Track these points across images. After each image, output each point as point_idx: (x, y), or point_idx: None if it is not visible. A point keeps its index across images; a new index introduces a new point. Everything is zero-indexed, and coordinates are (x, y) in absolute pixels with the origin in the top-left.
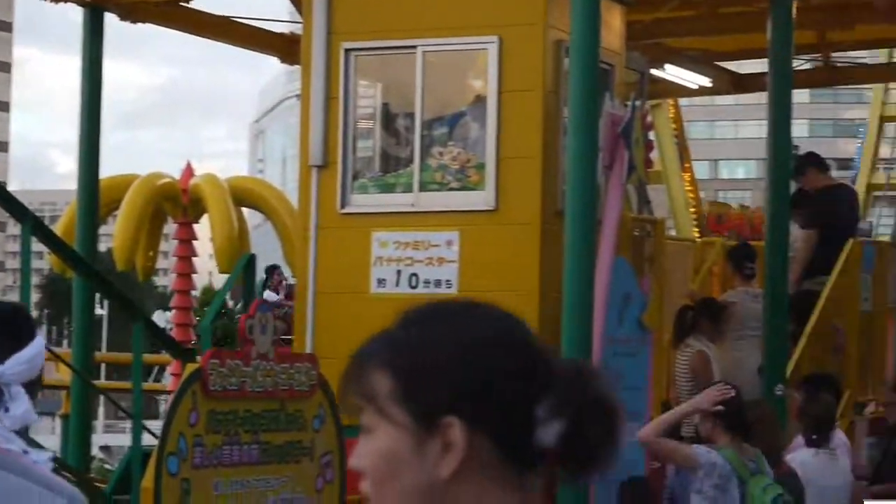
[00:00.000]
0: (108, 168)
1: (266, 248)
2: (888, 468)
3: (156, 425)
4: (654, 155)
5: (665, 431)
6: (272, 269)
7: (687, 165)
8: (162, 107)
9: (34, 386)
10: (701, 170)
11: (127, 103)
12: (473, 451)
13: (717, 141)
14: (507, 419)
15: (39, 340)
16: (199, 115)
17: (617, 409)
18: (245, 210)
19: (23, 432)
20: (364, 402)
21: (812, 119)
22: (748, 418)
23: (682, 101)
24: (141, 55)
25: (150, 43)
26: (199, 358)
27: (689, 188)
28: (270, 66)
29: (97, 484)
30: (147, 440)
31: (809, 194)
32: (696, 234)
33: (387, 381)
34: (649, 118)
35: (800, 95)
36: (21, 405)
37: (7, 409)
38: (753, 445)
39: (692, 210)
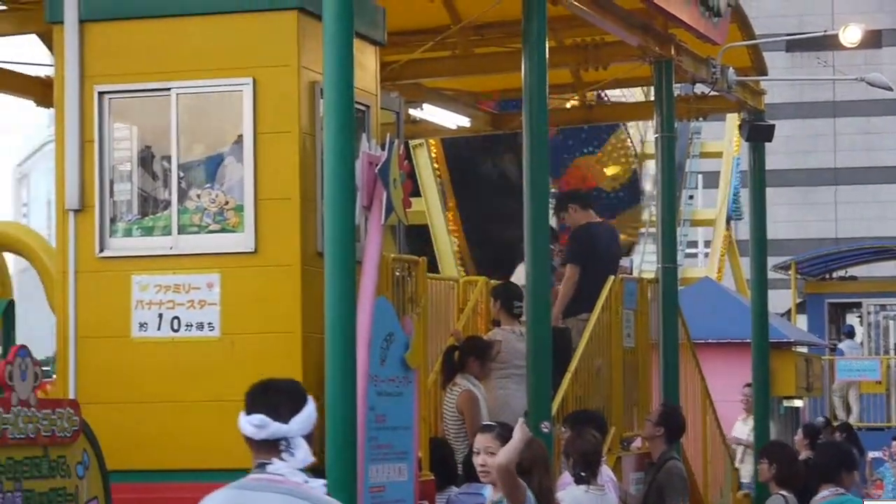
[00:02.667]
0: None
1: (34, 293)
2: (653, 502)
3: None
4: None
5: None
6: None
7: (451, 204)
8: None
9: (310, 436)
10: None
11: None
12: None
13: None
14: None
15: (311, 402)
16: None
17: None
18: (10, 255)
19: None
20: None
21: None
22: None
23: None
24: None
25: None
26: None
27: (452, 227)
28: (34, 109)
29: None
30: None
31: (570, 231)
32: (462, 273)
33: None
34: (406, 160)
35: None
36: (302, 451)
37: (293, 454)
38: (529, 485)
39: (456, 249)
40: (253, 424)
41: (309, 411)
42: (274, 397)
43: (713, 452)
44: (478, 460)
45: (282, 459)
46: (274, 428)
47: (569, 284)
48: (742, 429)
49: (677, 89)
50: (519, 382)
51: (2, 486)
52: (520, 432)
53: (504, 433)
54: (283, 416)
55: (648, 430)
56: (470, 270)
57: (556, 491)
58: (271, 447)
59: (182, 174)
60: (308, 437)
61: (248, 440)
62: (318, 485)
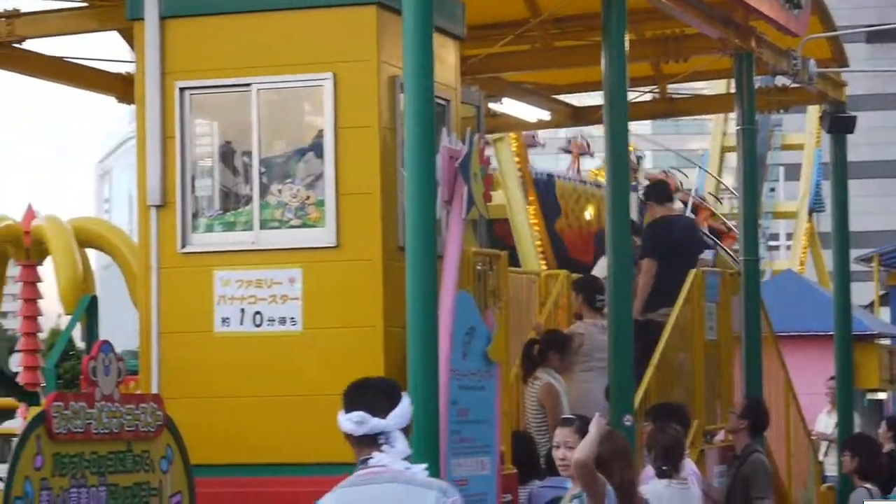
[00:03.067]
0: None
1: (116, 289)
2: (738, 495)
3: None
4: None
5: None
6: None
7: (531, 198)
8: (9, 148)
9: (407, 429)
10: None
11: None
12: None
13: None
14: None
15: (406, 397)
16: (46, 154)
17: None
18: (94, 251)
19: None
20: None
21: (654, 150)
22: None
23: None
24: None
25: None
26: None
27: (533, 221)
28: (116, 106)
29: None
30: None
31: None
32: (543, 266)
33: None
34: (487, 152)
35: (642, 127)
36: (401, 443)
37: (393, 447)
38: (609, 478)
39: (537, 243)
40: (353, 421)
41: (405, 406)
42: (370, 395)
43: (797, 446)
44: (557, 454)
45: (382, 452)
46: (373, 423)
47: (646, 278)
48: (826, 422)
49: (758, 81)
50: (602, 375)
51: (87, 481)
52: (595, 427)
53: (584, 427)
54: (381, 412)
55: (732, 422)
56: (551, 264)
57: (639, 484)
58: (371, 442)
59: (263, 169)
60: (405, 431)
61: (349, 437)
62: (419, 469)
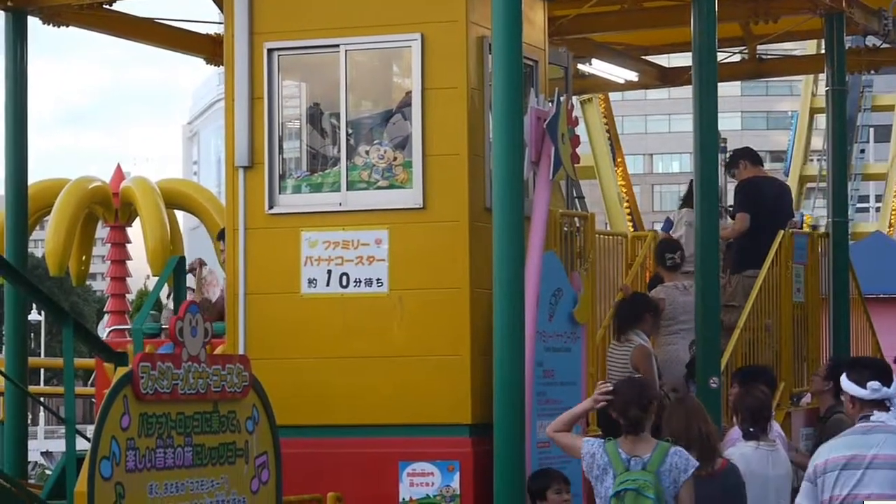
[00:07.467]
0: (51, 170)
1: (204, 250)
2: None
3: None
4: (584, 150)
5: (565, 427)
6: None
7: (619, 160)
8: (100, 109)
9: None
10: (636, 164)
11: (69, 104)
12: None
13: (652, 135)
14: None
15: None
16: (137, 116)
17: None
18: (182, 212)
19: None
20: None
21: (744, 111)
22: (668, 412)
23: (615, 96)
24: (81, 55)
25: (89, 43)
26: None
27: (621, 182)
28: (204, 67)
29: (34, 490)
30: (84, 445)
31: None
32: (630, 228)
33: None
34: (575, 113)
35: (731, 88)
36: None
37: (894, 408)
38: (679, 439)
39: (625, 204)
40: (872, 388)
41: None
42: (877, 370)
43: None
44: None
45: (887, 412)
46: (884, 391)
47: (737, 229)
48: None
49: (848, 42)
50: (685, 337)
51: (173, 441)
52: (588, 403)
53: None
54: (887, 382)
55: (817, 384)
56: (639, 225)
57: (720, 440)
58: (876, 405)
59: (350, 131)
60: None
61: (855, 399)
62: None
